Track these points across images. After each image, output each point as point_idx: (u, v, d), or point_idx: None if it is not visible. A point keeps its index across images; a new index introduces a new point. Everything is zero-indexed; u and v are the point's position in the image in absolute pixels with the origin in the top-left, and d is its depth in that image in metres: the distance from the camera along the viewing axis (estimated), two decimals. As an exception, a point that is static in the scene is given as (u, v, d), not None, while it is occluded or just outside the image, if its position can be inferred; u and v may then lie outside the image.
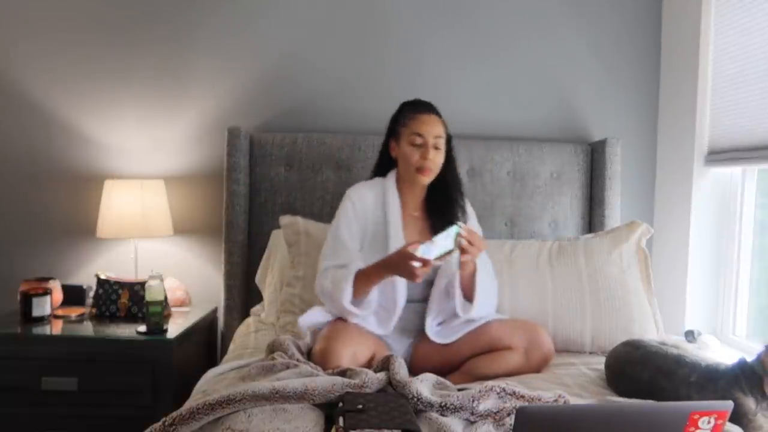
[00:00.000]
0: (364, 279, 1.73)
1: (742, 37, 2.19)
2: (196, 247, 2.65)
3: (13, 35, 2.58)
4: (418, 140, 1.82)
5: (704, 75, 2.40)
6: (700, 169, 2.42)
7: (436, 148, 1.83)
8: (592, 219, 2.59)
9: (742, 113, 2.20)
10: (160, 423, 1.25)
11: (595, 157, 2.59)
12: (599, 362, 1.84)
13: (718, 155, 2.33)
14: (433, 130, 1.83)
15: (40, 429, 2.10)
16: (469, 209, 2.00)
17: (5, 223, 2.61)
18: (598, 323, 2.05)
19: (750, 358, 1.44)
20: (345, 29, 2.62)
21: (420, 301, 1.88)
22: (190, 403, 1.36)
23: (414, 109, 1.89)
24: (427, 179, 1.85)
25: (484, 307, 1.84)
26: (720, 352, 2.11)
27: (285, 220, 2.25)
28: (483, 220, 2.51)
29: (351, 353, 1.63)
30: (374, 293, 1.76)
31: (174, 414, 1.27)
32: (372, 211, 1.87)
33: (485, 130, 2.65)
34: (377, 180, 1.95)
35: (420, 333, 1.88)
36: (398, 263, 1.65)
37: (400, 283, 1.79)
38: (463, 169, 2.52)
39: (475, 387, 1.42)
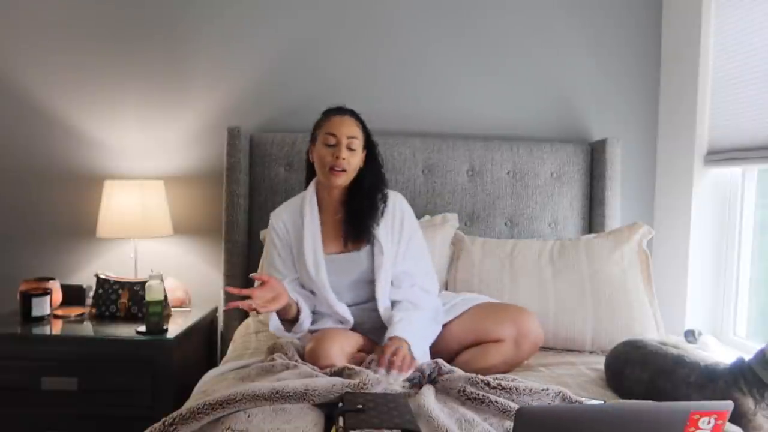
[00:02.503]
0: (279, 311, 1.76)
1: (743, 36, 2.19)
2: (196, 247, 2.65)
3: (14, 36, 2.58)
4: (331, 140, 1.81)
5: (704, 75, 2.40)
6: (700, 169, 2.42)
7: (350, 148, 1.81)
8: (592, 219, 2.59)
9: (742, 113, 2.20)
10: (160, 423, 1.25)
11: (595, 157, 2.59)
12: (599, 362, 1.84)
13: (718, 155, 2.33)
14: (346, 130, 1.82)
15: (40, 429, 2.10)
16: (398, 200, 1.93)
17: (5, 223, 2.61)
18: (599, 323, 2.05)
19: (749, 358, 1.44)
20: (345, 29, 2.62)
21: (371, 300, 1.88)
22: (191, 403, 1.36)
23: (330, 113, 1.89)
24: (339, 179, 1.81)
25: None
26: (720, 352, 2.11)
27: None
28: (483, 220, 2.52)
29: (339, 347, 1.68)
30: (303, 311, 1.80)
31: (174, 414, 1.27)
32: (292, 227, 1.89)
33: (485, 130, 2.65)
34: (298, 195, 1.98)
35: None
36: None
37: (325, 290, 1.82)
38: (463, 169, 2.53)
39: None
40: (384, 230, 1.86)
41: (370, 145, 1.91)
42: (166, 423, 1.25)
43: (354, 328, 1.86)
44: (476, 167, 2.54)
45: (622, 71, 2.68)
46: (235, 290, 1.62)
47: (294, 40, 2.61)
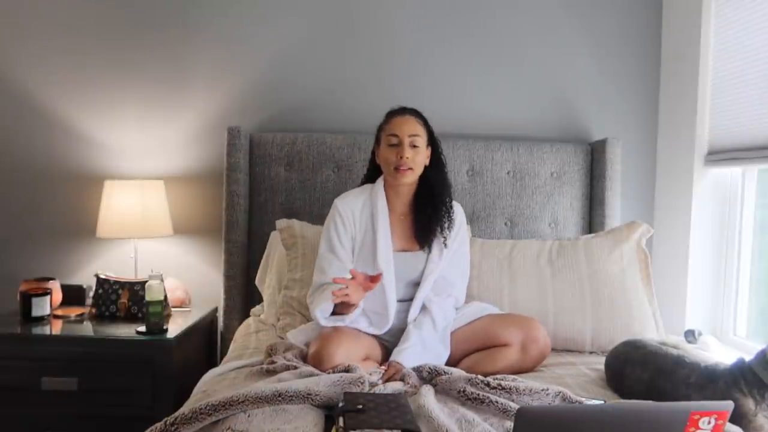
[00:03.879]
0: (341, 306, 1.76)
1: (743, 36, 2.19)
2: (196, 247, 2.65)
3: (14, 36, 2.58)
4: (394, 140, 1.85)
5: (704, 75, 2.40)
6: (700, 169, 2.42)
7: (414, 146, 1.85)
8: (592, 219, 2.59)
9: (742, 113, 2.20)
10: (161, 423, 1.26)
11: (595, 157, 2.59)
12: (599, 362, 1.84)
13: (718, 155, 2.33)
14: (407, 129, 1.85)
15: (40, 429, 2.10)
16: (459, 212, 2.00)
17: (5, 223, 2.61)
18: (599, 323, 2.05)
19: (749, 359, 1.44)
20: (345, 29, 2.62)
21: (410, 300, 1.89)
22: (192, 403, 1.36)
23: (392, 114, 1.92)
24: (405, 178, 1.85)
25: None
26: (720, 352, 2.11)
27: (281, 223, 2.26)
28: (483, 220, 2.52)
29: (345, 353, 1.65)
30: (357, 309, 1.78)
31: (176, 414, 1.27)
32: (360, 219, 1.90)
33: (485, 130, 2.65)
34: (366, 186, 1.99)
35: None
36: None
37: (389, 288, 1.83)
38: (463, 169, 2.53)
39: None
40: (443, 238, 1.90)
41: (434, 144, 1.95)
42: (168, 423, 1.25)
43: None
44: (476, 167, 2.54)
45: (622, 71, 2.68)
46: (340, 280, 1.63)
47: (294, 40, 2.61)
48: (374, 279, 1.69)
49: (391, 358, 1.74)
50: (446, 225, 1.91)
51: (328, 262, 1.85)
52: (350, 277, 1.67)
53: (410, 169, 1.84)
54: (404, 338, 1.79)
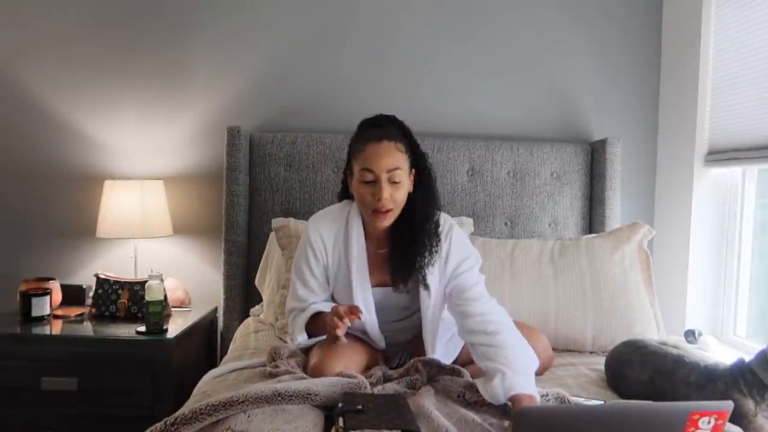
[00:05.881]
0: (315, 325, 1.67)
1: (743, 36, 2.19)
2: (196, 247, 2.65)
3: (14, 36, 2.57)
4: (369, 176, 1.55)
5: (704, 75, 2.40)
6: (700, 169, 2.42)
7: (394, 182, 1.55)
8: (593, 219, 2.59)
9: (742, 113, 2.20)
10: (161, 423, 1.25)
11: (595, 157, 2.59)
12: (599, 362, 1.84)
13: (718, 155, 2.33)
14: (385, 163, 1.54)
15: (40, 429, 2.10)
16: (457, 242, 1.68)
17: (5, 223, 2.61)
18: (600, 323, 2.05)
19: (749, 359, 1.44)
20: (345, 30, 2.62)
21: (404, 319, 1.76)
22: (192, 403, 1.36)
23: (364, 137, 1.59)
24: (386, 221, 1.58)
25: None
26: (720, 352, 2.11)
27: (277, 222, 2.24)
28: (483, 220, 2.52)
29: (343, 366, 1.57)
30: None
31: (177, 414, 1.27)
32: (332, 251, 1.67)
33: (485, 130, 2.65)
34: (344, 207, 1.72)
35: (412, 343, 1.81)
36: (327, 323, 1.55)
37: (371, 326, 1.69)
38: (463, 169, 2.53)
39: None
40: (432, 269, 1.63)
41: (418, 161, 1.64)
42: (168, 423, 1.25)
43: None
44: (476, 167, 2.54)
45: (622, 71, 2.68)
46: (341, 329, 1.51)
47: (294, 40, 2.61)
48: (353, 311, 1.51)
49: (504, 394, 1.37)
50: (426, 260, 1.62)
51: (303, 286, 1.70)
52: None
53: (390, 210, 1.57)
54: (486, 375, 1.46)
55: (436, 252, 1.63)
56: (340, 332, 1.51)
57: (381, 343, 1.75)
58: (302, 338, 1.68)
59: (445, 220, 1.70)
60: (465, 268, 1.65)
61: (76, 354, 2.09)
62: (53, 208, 2.61)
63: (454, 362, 1.72)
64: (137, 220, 2.38)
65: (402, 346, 1.83)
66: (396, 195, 1.57)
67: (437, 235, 1.65)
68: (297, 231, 2.21)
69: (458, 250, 1.67)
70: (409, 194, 1.63)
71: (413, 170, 1.64)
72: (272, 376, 1.57)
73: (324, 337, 1.65)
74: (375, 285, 1.68)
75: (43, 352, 2.11)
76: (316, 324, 1.68)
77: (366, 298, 1.66)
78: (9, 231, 2.61)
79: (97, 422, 2.10)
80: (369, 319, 1.68)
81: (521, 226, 2.54)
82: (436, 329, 1.67)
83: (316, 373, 1.57)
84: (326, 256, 1.68)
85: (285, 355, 1.69)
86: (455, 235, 1.68)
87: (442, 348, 1.72)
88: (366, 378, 1.55)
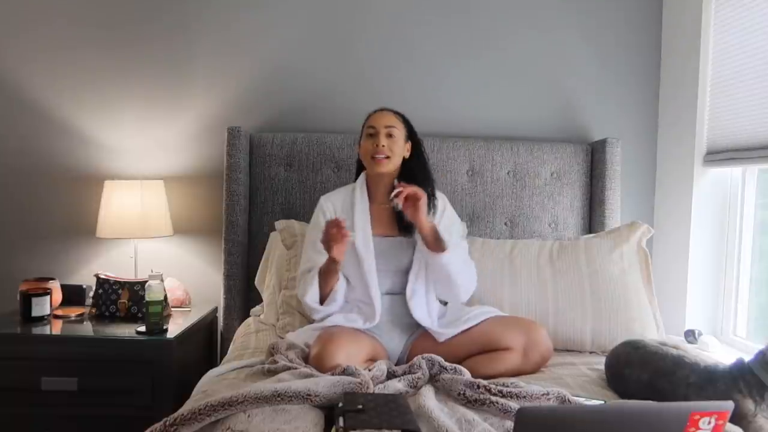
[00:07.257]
0: (323, 274, 1.82)
1: (743, 36, 2.19)
2: (196, 247, 2.65)
3: (14, 36, 2.57)
4: (371, 131, 1.93)
5: (704, 75, 2.40)
6: (700, 169, 2.42)
7: (389, 135, 1.91)
8: (593, 219, 2.59)
9: (741, 113, 2.20)
10: (161, 423, 1.25)
11: (595, 157, 2.59)
12: (599, 362, 1.84)
13: (718, 155, 2.33)
14: (383, 121, 1.93)
15: (40, 429, 2.10)
16: (441, 197, 2.03)
17: (5, 223, 2.61)
18: (599, 323, 2.05)
19: (749, 359, 1.43)
20: (345, 29, 2.62)
21: (402, 293, 1.91)
22: (192, 403, 1.36)
23: (372, 112, 2.00)
24: (382, 167, 1.90)
25: (458, 261, 1.89)
26: (720, 352, 2.11)
27: (281, 224, 2.27)
28: (483, 220, 2.52)
29: (345, 355, 1.63)
30: (340, 287, 1.85)
31: (176, 414, 1.27)
32: (340, 210, 1.97)
33: (485, 130, 2.65)
34: (349, 185, 2.06)
35: (414, 330, 1.90)
36: (323, 237, 1.74)
37: (370, 275, 1.87)
38: (463, 169, 2.53)
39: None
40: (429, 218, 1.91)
41: (415, 141, 2.01)
42: (167, 423, 1.25)
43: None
44: (476, 167, 2.54)
45: (622, 71, 2.68)
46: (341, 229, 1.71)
47: (294, 40, 2.61)
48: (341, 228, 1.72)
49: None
50: (429, 210, 1.91)
51: (314, 251, 1.89)
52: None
53: (387, 157, 1.89)
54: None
55: (433, 207, 1.96)
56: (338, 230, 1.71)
57: (376, 301, 1.86)
58: (313, 293, 1.83)
59: (441, 195, 2.04)
60: (454, 230, 1.98)
61: (76, 354, 2.09)
62: (53, 208, 2.61)
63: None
64: (137, 220, 2.38)
65: (399, 333, 1.88)
66: (392, 146, 1.91)
67: (434, 196, 1.98)
68: (301, 231, 2.22)
69: (450, 215, 2.03)
70: (407, 162, 1.97)
71: (409, 142, 1.99)
72: (270, 372, 1.57)
73: (326, 325, 1.82)
74: (381, 234, 1.93)
75: (43, 352, 2.11)
76: (321, 280, 1.84)
77: (367, 244, 1.89)
78: (9, 231, 2.61)
79: (97, 422, 2.10)
80: (368, 261, 1.87)
81: (521, 227, 2.54)
82: (421, 282, 1.91)
83: (318, 362, 1.62)
84: (334, 214, 1.94)
85: (283, 348, 1.70)
86: (449, 204, 2.05)
87: (423, 300, 1.91)
88: (370, 370, 1.57)
